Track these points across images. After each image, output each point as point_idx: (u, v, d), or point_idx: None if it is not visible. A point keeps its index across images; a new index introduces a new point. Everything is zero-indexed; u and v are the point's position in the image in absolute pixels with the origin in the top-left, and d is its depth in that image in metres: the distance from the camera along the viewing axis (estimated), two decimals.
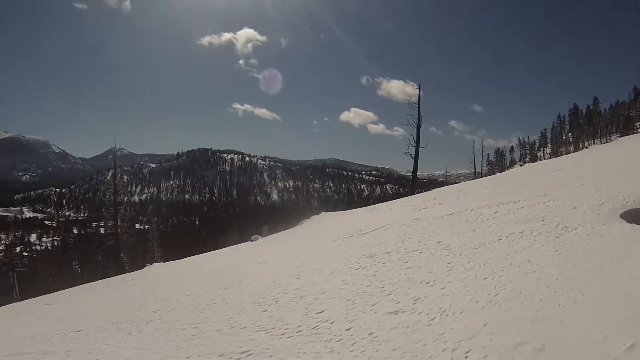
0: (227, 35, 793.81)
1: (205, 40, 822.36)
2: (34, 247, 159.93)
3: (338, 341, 5.34)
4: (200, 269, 14.91)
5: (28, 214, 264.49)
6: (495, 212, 10.48)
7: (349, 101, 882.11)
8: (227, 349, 5.98)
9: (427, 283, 6.65)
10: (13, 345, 9.18)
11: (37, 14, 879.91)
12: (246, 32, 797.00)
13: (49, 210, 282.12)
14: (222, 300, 8.72)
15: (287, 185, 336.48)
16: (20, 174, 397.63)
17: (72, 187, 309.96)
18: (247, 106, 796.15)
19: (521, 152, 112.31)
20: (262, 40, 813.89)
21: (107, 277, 23.02)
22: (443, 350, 4.36)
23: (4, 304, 22.84)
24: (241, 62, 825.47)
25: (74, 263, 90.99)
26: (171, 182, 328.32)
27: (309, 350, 5.25)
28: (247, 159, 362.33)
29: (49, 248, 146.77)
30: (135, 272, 21.33)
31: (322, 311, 6.58)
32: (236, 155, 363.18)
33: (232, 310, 7.85)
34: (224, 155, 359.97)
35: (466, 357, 4.14)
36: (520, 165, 49.51)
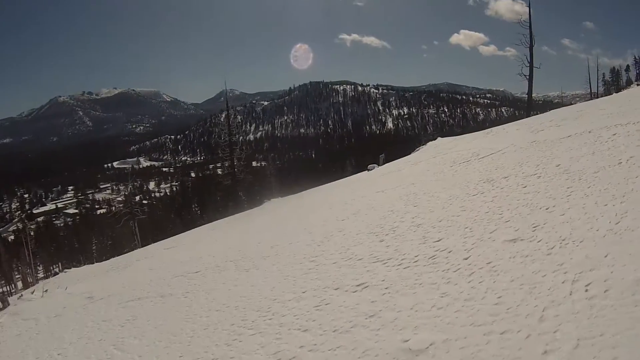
0: None
1: None
2: (153, 195, 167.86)
3: (455, 271, 5.23)
4: (317, 201, 15.09)
5: (145, 163, 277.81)
6: (614, 134, 9.95)
7: (458, 23, 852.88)
8: (343, 281, 6.02)
9: (546, 209, 6.42)
10: (133, 290, 9.67)
11: None
12: None
13: (165, 157, 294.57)
14: (339, 232, 8.78)
15: (402, 113, 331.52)
16: (134, 126, 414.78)
17: (186, 132, 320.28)
18: (354, 36, 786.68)
19: (637, 71, 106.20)
20: None
21: (226, 217, 23.77)
22: (562, 283, 4.18)
23: (127, 252, 24.12)
24: None
25: (193, 205, 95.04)
26: (285, 117, 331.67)
27: (426, 282, 5.19)
28: (359, 88, 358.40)
29: (168, 194, 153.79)
30: (253, 209, 21.88)
31: (440, 240, 6.45)
32: (348, 86, 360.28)
33: (349, 241, 7.89)
34: (336, 86, 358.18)
35: (586, 290, 3.94)
36: (638, 85, 47.04)
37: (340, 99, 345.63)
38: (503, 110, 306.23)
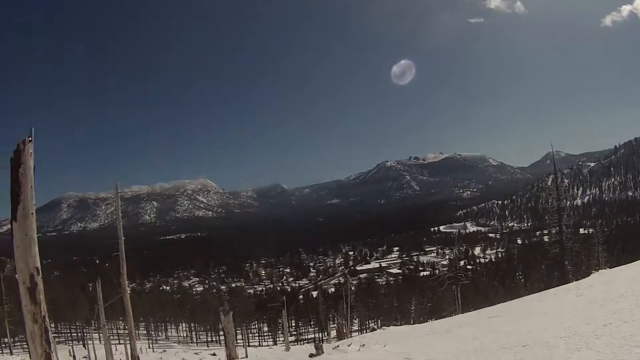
0: (626, 8, 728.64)
1: (607, 20, 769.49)
2: (477, 260, 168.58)
3: None
4: None
5: (471, 228, 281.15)
6: None
7: None
8: None
9: None
10: (456, 358, 9.61)
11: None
12: None
13: (492, 222, 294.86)
14: None
15: None
16: (461, 191, 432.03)
17: (513, 197, 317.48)
18: None
19: None
20: None
21: (549, 287, 23.06)
22: None
23: (446, 316, 24.37)
24: None
25: (517, 274, 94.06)
26: (612, 179, 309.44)
27: None
28: None
29: (493, 260, 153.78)
30: (581, 280, 21.03)
31: None
32: None
33: None
34: None
35: None
36: None
37: None
38: None
